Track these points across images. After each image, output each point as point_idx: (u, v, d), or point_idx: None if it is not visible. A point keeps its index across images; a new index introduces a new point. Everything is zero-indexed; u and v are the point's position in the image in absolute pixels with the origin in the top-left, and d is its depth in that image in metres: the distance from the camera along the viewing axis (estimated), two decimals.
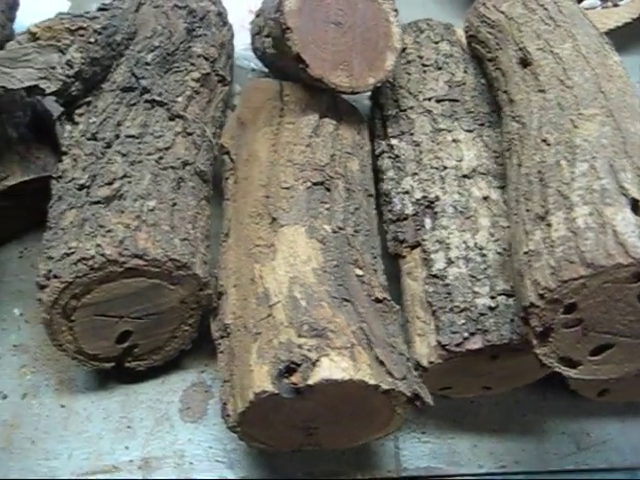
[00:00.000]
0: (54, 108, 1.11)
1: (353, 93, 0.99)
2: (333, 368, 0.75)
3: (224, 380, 0.85)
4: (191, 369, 0.99)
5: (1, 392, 0.97)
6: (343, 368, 0.75)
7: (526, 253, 0.78)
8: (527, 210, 0.81)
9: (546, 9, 0.98)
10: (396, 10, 0.98)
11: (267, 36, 1.07)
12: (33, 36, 0.97)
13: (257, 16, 1.20)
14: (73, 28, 0.99)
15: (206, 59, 1.08)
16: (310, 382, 0.75)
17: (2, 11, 1.00)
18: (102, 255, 0.83)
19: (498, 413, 0.98)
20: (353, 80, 0.97)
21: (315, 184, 0.94)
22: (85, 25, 1.00)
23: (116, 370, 0.95)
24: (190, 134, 1.00)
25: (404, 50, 1.07)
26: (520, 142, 0.88)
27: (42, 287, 0.87)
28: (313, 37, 0.95)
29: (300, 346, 0.77)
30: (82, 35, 0.99)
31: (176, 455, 0.93)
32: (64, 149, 0.98)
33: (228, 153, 1.07)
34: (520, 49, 0.96)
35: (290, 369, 0.76)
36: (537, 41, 0.95)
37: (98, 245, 0.84)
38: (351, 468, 0.93)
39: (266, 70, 1.31)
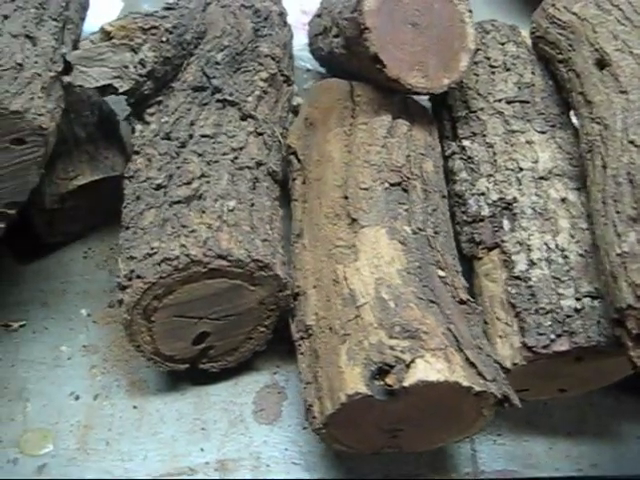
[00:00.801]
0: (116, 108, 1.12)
1: (428, 94, 0.98)
2: (428, 370, 0.75)
3: (307, 382, 0.85)
4: (263, 370, 0.99)
5: (73, 392, 0.96)
6: (438, 370, 0.75)
7: (619, 255, 0.77)
8: (617, 212, 0.80)
9: (621, 9, 0.97)
10: (471, 11, 0.98)
11: (336, 36, 1.06)
12: (107, 35, 0.96)
13: (318, 16, 1.20)
14: (146, 27, 0.98)
15: (273, 59, 1.08)
16: (405, 384, 0.74)
17: (76, 11, 0.99)
18: (187, 255, 0.83)
19: (572, 415, 0.98)
20: (428, 81, 0.97)
21: (393, 185, 0.93)
22: (157, 24, 0.99)
23: (188, 371, 0.95)
24: (261, 134, 1.00)
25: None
26: (603, 144, 0.87)
27: (123, 288, 0.86)
28: (391, 37, 0.94)
29: (392, 347, 0.77)
30: (154, 34, 0.99)
31: (252, 457, 0.92)
32: (136, 148, 0.98)
33: (295, 154, 1.06)
34: (596, 50, 0.96)
35: (382, 371, 0.76)
36: (614, 42, 0.94)
37: (182, 245, 0.84)
38: (428, 470, 0.92)
39: (322, 70, 1.31)
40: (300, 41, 1.30)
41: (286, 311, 0.92)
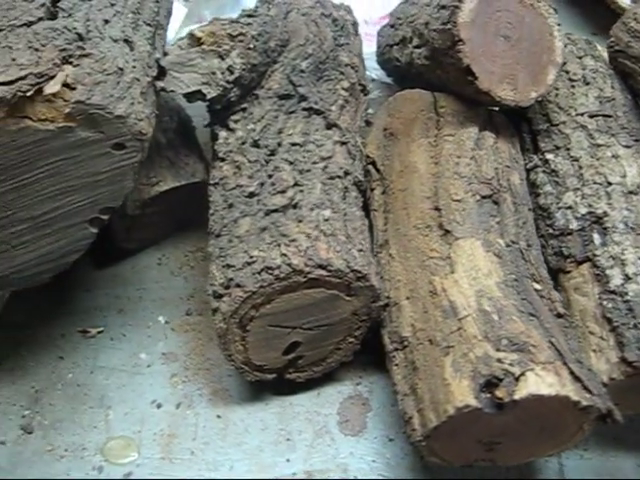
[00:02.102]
0: None
1: (516, 107, 0.98)
2: (540, 383, 0.74)
3: (404, 394, 0.84)
4: (346, 381, 0.98)
5: (155, 401, 0.95)
6: (549, 383, 0.75)
7: None
8: None
9: None
10: (559, 24, 0.98)
11: (417, 47, 1.06)
12: (197, 41, 0.96)
13: (392, 27, 1.19)
14: (234, 34, 0.98)
15: (352, 68, 1.08)
16: (516, 397, 0.74)
17: (165, 16, 0.99)
18: (288, 265, 0.82)
19: None
20: (517, 94, 0.97)
21: (484, 197, 0.93)
22: (244, 31, 0.99)
23: (271, 381, 0.94)
24: (345, 144, 0.99)
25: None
26: None
27: (219, 296, 0.85)
28: (483, 50, 0.94)
29: (500, 360, 0.76)
30: (242, 41, 0.98)
31: (339, 469, 0.91)
32: (221, 155, 0.97)
33: (374, 163, 1.06)
34: None
35: (490, 383, 0.76)
36: None
37: (283, 254, 0.83)
38: None
39: (387, 80, 1.31)
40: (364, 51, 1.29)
41: (375, 322, 0.92)
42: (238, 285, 0.83)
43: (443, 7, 0.97)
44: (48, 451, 0.91)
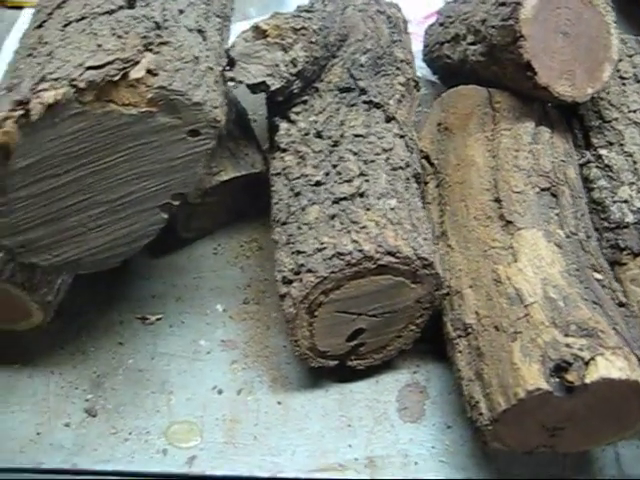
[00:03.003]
0: None
1: (573, 103, 1.00)
2: (610, 367, 0.76)
3: (469, 379, 0.86)
4: (403, 369, 0.99)
5: (216, 387, 0.97)
6: (620, 367, 0.76)
7: None
8: None
9: None
10: (616, 22, 1.00)
11: (472, 43, 1.08)
12: (262, 33, 0.98)
13: (441, 25, 1.21)
14: (297, 27, 1.00)
15: (407, 64, 1.09)
16: (587, 381, 0.76)
17: (232, 8, 1.01)
18: (360, 251, 0.84)
19: None
20: (574, 90, 0.99)
21: (543, 190, 0.95)
22: (306, 25, 1.01)
23: (331, 368, 0.95)
24: (403, 136, 1.01)
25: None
26: None
27: (289, 282, 0.87)
28: (543, 46, 0.96)
29: (569, 345, 0.78)
30: (304, 35, 1.00)
31: (400, 454, 0.92)
32: (283, 146, 0.99)
33: (427, 157, 1.08)
34: None
35: (560, 368, 0.77)
36: None
37: (354, 241, 0.85)
38: (573, 472, 0.93)
39: (432, 78, 1.33)
40: None
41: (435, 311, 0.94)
42: (309, 270, 0.85)
43: (503, 4, 0.99)
44: (112, 434, 0.92)
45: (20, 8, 1.52)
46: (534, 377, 0.77)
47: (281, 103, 1.02)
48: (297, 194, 0.92)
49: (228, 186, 1.04)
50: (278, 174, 0.98)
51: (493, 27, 1.00)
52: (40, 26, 0.85)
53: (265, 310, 1.03)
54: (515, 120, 1.02)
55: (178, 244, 1.09)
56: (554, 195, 0.95)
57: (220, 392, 0.96)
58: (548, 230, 0.91)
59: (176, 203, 0.88)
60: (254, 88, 0.97)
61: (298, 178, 0.94)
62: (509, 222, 0.92)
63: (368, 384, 0.98)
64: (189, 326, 1.02)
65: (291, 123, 1.01)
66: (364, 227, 0.86)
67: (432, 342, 0.97)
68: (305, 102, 1.02)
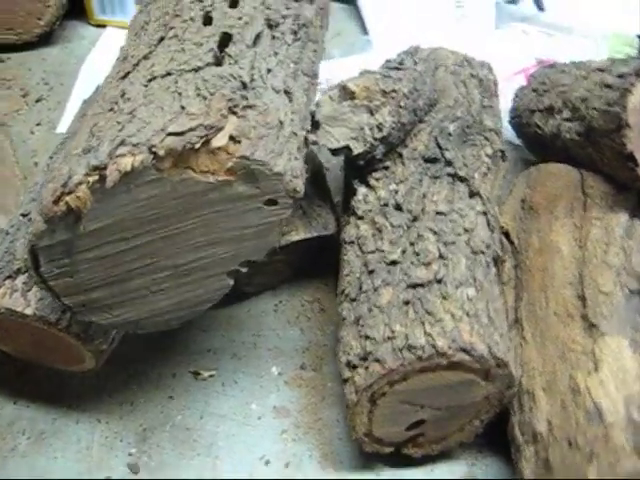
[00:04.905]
0: None
1: None
2: None
3: None
4: (461, 460, 0.94)
5: (264, 456, 0.93)
6: None
7: None
8: None
9: None
10: None
11: (568, 120, 1.02)
12: (350, 94, 0.93)
13: (534, 91, 1.15)
14: (387, 90, 0.95)
15: (496, 133, 1.04)
16: None
17: (319, 65, 0.96)
18: (433, 346, 0.79)
19: None
20: None
21: (632, 292, 0.89)
22: (396, 88, 0.96)
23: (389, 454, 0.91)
24: (485, 214, 0.96)
25: None
26: None
27: (354, 367, 0.83)
28: None
29: None
30: (393, 98, 0.95)
31: None
32: (359, 213, 0.95)
33: (507, 234, 1.02)
34: None
35: None
36: None
37: (428, 334, 0.80)
38: None
39: (514, 141, 1.27)
40: None
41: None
42: (377, 360, 0.80)
43: (609, 86, 0.93)
44: None
45: (103, 27, 1.50)
46: None
47: (362, 166, 0.97)
48: (371, 272, 0.88)
49: (297, 245, 1.00)
50: (351, 242, 0.93)
51: (595, 109, 0.94)
52: (124, 77, 0.81)
53: (322, 378, 0.99)
54: (608, 209, 0.96)
55: (239, 298, 1.05)
56: None
57: (267, 463, 0.92)
58: (635, 339, 0.85)
59: (244, 270, 0.84)
60: (336, 152, 0.93)
61: (373, 252, 0.90)
62: (593, 325, 0.86)
63: (423, 472, 0.93)
64: (242, 387, 0.98)
65: (370, 189, 0.96)
66: (439, 320, 0.81)
67: (493, 435, 0.91)
68: (387, 168, 0.97)
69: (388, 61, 1.07)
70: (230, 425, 0.95)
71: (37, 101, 1.35)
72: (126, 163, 0.69)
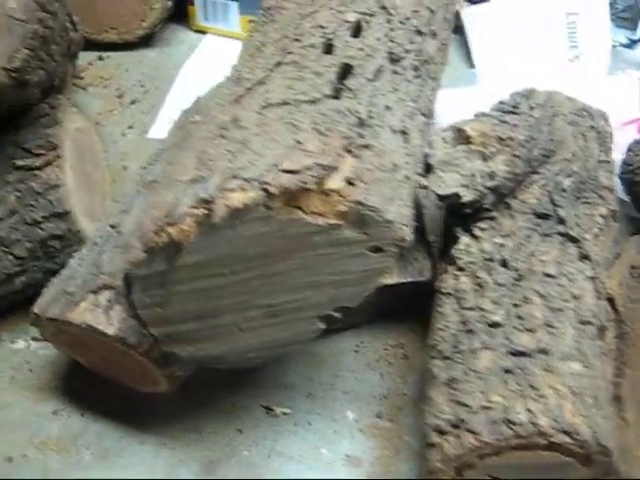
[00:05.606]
0: None
1: None
2: None
3: None
4: None
5: None
6: None
7: None
8: None
9: None
10: None
11: None
12: (465, 139, 0.88)
13: None
14: (503, 137, 0.90)
15: (610, 191, 0.97)
16: None
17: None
18: (534, 424, 0.73)
19: None
20: None
21: None
22: (513, 135, 0.90)
23: None
24: (594, 279, 0.89)
25: None
26: None
27: (443, 432, 0.77)
28: None
29: None
30: (509, 146, 0.90)
31: None
32: (460, 264, 0.89)
33: (612, 300, 0.95)
34: None
35: None
36: None
37: (529, 410, 0.74)
38: None
39: (625, 198, 1.19)
40: None
41: None
42: (471, 431, 0.75)
43: None
44: None
45: (203, 33, 1.47)
46: None
47: (466, 213, 0.92)
48: (469, 331, 0.82)
49: (388, 287, 0.95)
50: (448, 294, 0.88)
51: None
52: (237, 101, 0.77)
53: (398, 430, 0.94)
54: None
55: (319, 334, 1.01)
56: None
57: None
58: None
59: (337, 315, 0.80)
60: (445, 198, 0.88)
61: (472, 309, 0.84)
62: None
63: None
64: (315, 430, 0.94)
65: (473, 239, 0.91)
66: (542, 396, 0.75)
67: None
68: (493, 218, 0.91)
69: (502, 103, 1.01)
70: (298, 468, 0.91)
71: (131, 103, 1.32)
72: (236, 199, 0.65)
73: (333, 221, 0.70)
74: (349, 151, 0.72)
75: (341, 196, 0.69)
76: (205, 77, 1.25)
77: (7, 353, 1.01)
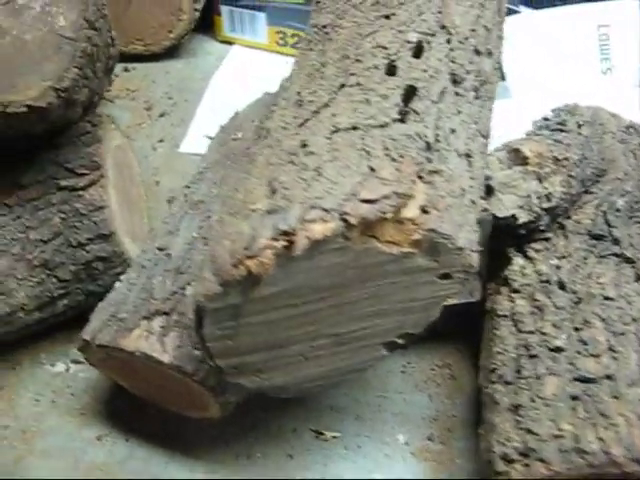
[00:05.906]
0: None
1: None
2: None
3: None
4: None
5: None
6: None
7: None
8: None
9: None
10: None
11: None
12: (522, 159, 0.87)
13: None
14: (560, 157, 0.89)
15: None
16: None
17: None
18: (606, 453, 0.72)
19: None
20: None
21: None
22: (568, 156, 0.89)
23: None
24: None
25: None
26: None
27: (511, 461, 0.76)
28: None
29: None
30: (565, 166, 0.89)
31: None
32: (515, 286, 0.88)
33: None
34: None
35: None
36: None
37: (600, 439, 0.73)
38: None
39: None
40: None
41: None
42: (541, 460, 0.74)
43: None
44: None
45: (230, 44, 1.45)
46: None
47: (519, 234, 0.91)
48: (532, 356, 0.81)
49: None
50: (505, 316, 0.87)
51: None
52: (303, 125, 0.76)
53: (449, 453, 0.93)
54: None
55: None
56: None
57: None
58: None
59: (401, 342, 0.79)
60: (502, 220, 0.87)
61: (532, 333, 0.83)
62: None
63: None
64: (365, 453, 0.92)
65: (528, 260, 0.90)
66: (614, 424, 0.74)
67: None
68: (547, 239, 0.90)
69: (546, 119, 1.00)
70: None
71: (160, 115, 1.30)
72: (317, 231, 0.64)
73: (407, 250, 0.68)
74: (420, 177, 0.71)
75: (415, 224, 0.68)
76: (235, 89, 1.24)
77: (47, 376, 0.99)
